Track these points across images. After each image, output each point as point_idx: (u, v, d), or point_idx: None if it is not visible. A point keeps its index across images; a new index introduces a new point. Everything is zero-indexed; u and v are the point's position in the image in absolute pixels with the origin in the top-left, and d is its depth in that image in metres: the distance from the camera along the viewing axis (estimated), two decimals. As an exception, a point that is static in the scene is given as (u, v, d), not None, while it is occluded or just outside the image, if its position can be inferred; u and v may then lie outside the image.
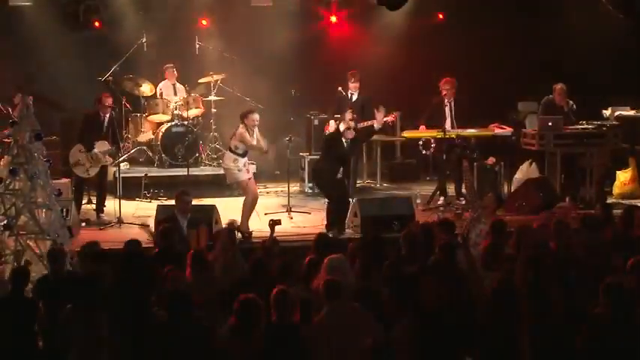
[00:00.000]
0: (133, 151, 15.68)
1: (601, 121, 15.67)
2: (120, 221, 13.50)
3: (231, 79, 16.75)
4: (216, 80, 16.57)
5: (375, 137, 16.74)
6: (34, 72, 16.31)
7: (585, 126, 15.12)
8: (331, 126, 14.75)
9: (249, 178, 13.13)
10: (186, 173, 15.16)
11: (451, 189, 15.13)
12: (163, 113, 16.33)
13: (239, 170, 12.98)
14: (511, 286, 8.17)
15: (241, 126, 12.97)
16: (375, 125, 14.00)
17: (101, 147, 13.84)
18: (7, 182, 10.82)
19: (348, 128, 12.97)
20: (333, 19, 18.00)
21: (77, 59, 16.51)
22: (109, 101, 13.96)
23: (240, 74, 16.77)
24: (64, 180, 14.15)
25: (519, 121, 17.28)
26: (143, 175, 15.64)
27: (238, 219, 12.81)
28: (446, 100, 14.93)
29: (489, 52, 17.64)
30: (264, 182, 16.13)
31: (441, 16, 18.41)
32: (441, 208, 14.25)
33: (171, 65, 16.65)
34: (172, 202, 12.37)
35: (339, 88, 15.39)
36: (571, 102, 15.28)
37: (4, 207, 10.68)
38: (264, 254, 9.78)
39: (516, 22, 18.01)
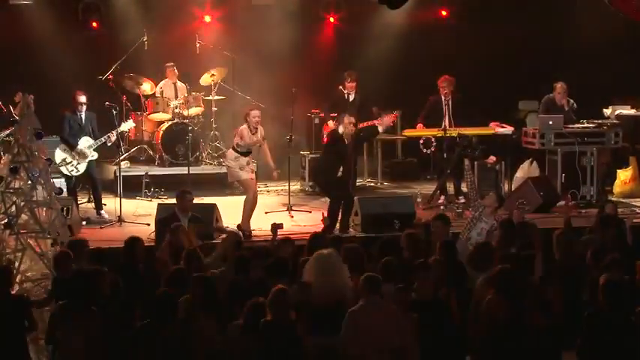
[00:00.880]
0: (133, 150, 15.70)
1: (602, 120, 15.68)
2: (120, 220, 13.50)
3: (232, 78, 16.75)
4: (217, 79, 16.57)
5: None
6: (35, 71, 16.31)
7: (586, 125, 15.13)
8: (330, 126, 14.75)
9: (251, 178, 13.13)
10: (186, 172, 15.16)
11: (451, 188, 15.13)
12: (164, 112, 16.33)
13: (240, 168, 13.01)
14: None
15: (244, 124, 13.05)
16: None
17: (85, 143, 13.82)
18: (8, 181, 10.81)
19: (348, 132, 12.90)
20: (333, 17, 18.02)
21: (78, 58, 16.52)
22: (81, 98, 13.89)
23: (241, 73, 16.78)
24: (63, 179, 14.14)
25: (520, 119, 17.30)
26: (144, 173, 15.64)
27: (238, 218, 12.86)
28: (444, 98, 14.92)
29: (490, 51, 17.64)
30: (265, 181, 16.11)
31: (443, 13, 18.40)
32: (442, 207, 14.25)
33: (172, 64, 16.65)
34: (173, 200, 12.36)
35: (339, 87, 15.38)
36: (572, 101, 15.29)
37: (5, 205, 10.67)
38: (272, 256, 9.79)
39: (517, 20, 18.00)
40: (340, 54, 17.62)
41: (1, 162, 12.76)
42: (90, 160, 13.90)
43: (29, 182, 10.71)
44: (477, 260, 9.44)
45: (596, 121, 15.34)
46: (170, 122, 16.22)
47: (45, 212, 10.84)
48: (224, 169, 16.05)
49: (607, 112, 16.34)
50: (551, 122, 14.83)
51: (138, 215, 13.99)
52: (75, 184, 14.06)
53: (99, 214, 13.97)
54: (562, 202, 14.40)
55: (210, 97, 16.59)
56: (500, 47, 17.79)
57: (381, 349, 7.77)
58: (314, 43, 17.75)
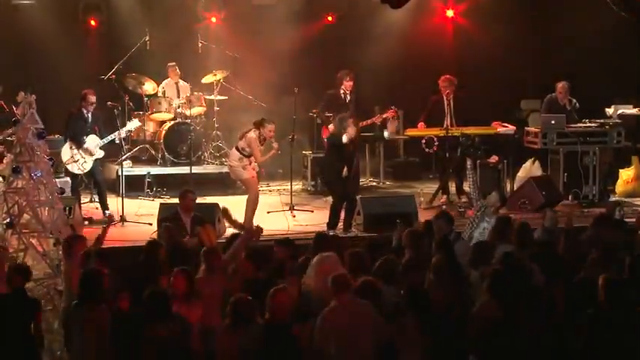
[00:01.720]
0: (135, 149, 15.71)
1: (604, 119, 15.66)
2: (123, 219, 13.50)
3: (234, 78, 16.75)
4: (219, 79, 16.57)
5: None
6: (37, 70, 16.33)
7: (588, 124, 15.12)
8: (330, 130, 14.74)
9: (253, 177, 13.16)
10: (188, 171, 15.17)
11: (453, 187, 15.12)
12: (166, 112, 16.33)
13: (243, 168, 13.03)
14: None
15: (254, 131, 13.01)
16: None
17: (92, 141, 13.84)
18: (10, 180, 10.83)
19: (351, 140, 12.83)
20: (335, 17, 18.03)
21: (80, 58, 16.54)
22: (92, 99, 13.92)
23: (243, 73, 16.78)
24: (67, 178, 14.16)
25: (522, 119, 17.29)
26: (146, 173, 15.65)
27: (240, 217, 12.87)
28: (445, 98, 14.92)
29: (492, 50, 17.64)
30: (267, 181, 16.14)
31: (445, 12, 18.40)
32: (444, 207, 14.23)
33: (174, 64, 16.65)
34: (175, 200, 12.37)
35: (335, 88, 15.36)
36: (574, 100, 15.28)
37: (7, 205, 10.69)
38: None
39: (520, 20, 18.01)
40: (342, 54, 17.61)
41: (4, 161, 12.78)
42: (96, 159, 13.93)
43: (31, 182, 10.73)
44: (476, 259, 9.44)
45: (598, 121, 15.32)
46: (172, 122, 16.23)
47: (47, 212, 10.86)
48: (226, 169, 16.05)
49: (609, 111, 16.32)
50: (553, 122, 14.83)
51: (140, 215, 13.99)
52: (78, 183, 14.08)
53: (105, 213, 13.97)
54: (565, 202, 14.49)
55: (212, 97, 16.59)
56: (502, 47, 17.79)
57: (356, 349, 7.75)
58: (316, 43, 17.74)
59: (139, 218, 13.78)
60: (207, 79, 16.59)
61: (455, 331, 8.21)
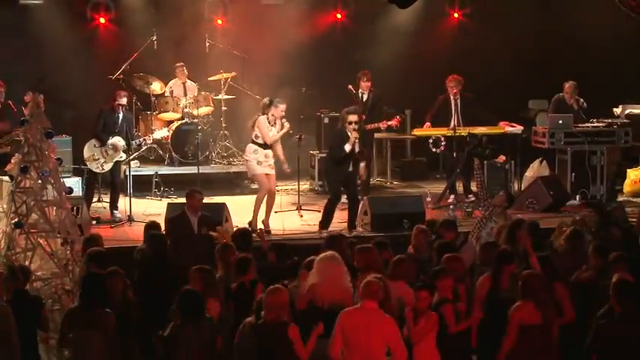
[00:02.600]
0: (143, 149, 15.71)
1: (612, 119, 15.65)
2: (130, 219, 13.52)
3: (241, 78, 16.76)
4: (227, 78, 16.58)
5: (385, 135, 16.79)
6: (45, 70, 16.36)
7: (596, 124, 15.10)
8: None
9: (267, 174, 13.06)
10: (196, 171, 15.18)
11: (461, 187, 15.12)
12: (173, 111, 16.33)
13: (257, 163, 12.97)
14: None
15: (262, 115, 12.96)
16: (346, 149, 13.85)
17: (116, 143, 13.88)
18: (18, 180, 10.83)
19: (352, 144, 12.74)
20: (342, 16, 18.03)
21: (88, 58, 16.56)
22: (121, 100, 13.97)
23: (251, 72, 16.78)
24: (75, 178, 14.18)
25: (530, 119, 17.28)
26: (154, 173, 15.67)
27: (247, 217, 12.91)
28: (452, 98, 14.91)
29: (500, 50, 17.62)
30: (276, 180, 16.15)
31: (452, 12, 18.40)
32: (451, 207, 14.21)
33: (182, 64, 16.64)
34: (183, 200, 12.37)
35: (349, 87, 15.38)
36: (581, 100, 15.27)
37: (15, 205, 10.70)
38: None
39: (527, 20, 17.99)
40: (349, 53, 17.61)
41: (12, 161, 12.79)
42: (116, 161, 13.96)
43: (39, 181, 10.74)
44: (485, 259, 9.45)
45: (606, 121, 15.30)
46: (180, 122, 16.24)
47: (55, 211, 10.86)
48: (234, 169, 16.19)
49: (617, 111, 16.31)
50: (560, 121, 14.82)
51: (148, 215, 14.00)
52: (93, 182, 14.10)
53: (112, 214, 13.99)
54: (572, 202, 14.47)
55: (219, 97, 16.59)
56: (510, 46, 17.78)
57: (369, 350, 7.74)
58: (323, 42, 17.74)
59: (146, 218, 13.74)
60: (214, 78, 16.59)
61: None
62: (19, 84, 14.51)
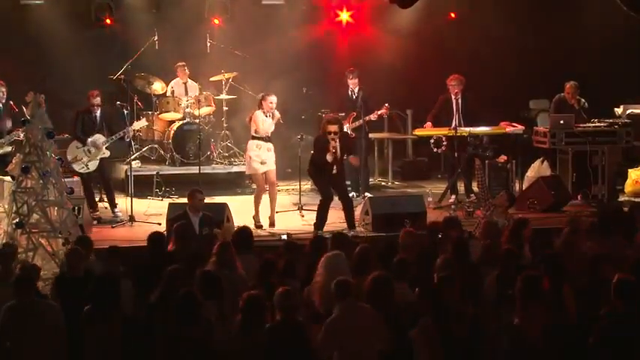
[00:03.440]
0: (144, 149, 15.72)
1: (613, 119, 15.64)
2: (132, 219, 13.52)
3: (242, 78, 16.76)
4: (228, 78, 16.58)
5: (386, 135, 16.80)
6: (46, 70, 16.36)
7: (597, 124, 15.09)
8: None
9: (263, 172, 13.31)
10: (197, 171, 15.18)
11: (462, 187, 15.11)
12: (175, 111, 16.34)
13: (255, 159, 13.25)
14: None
15: (258, 110, 13.29)
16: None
17: (97, 140, 13.86)
18: (20, 180, 10.84)
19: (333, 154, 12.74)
20: (344, 16, 18.00)
21: (89, 57, 16.57)
22: (93, 100, 13.93)
23: (252, 72, 16.78)
24: (76, 178, 14.18)
25: (531, 119, 17.27)
26: (155, 173, 15.67)
27: (249, 217, 12.96)
28: (454, 97, 14.91)
29: (501, 50, 17.63)
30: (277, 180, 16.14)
31: (453, 15, 18.39)
32: (452, 207, 14.22)
33: (183, 64, 16.65)
34: (184, 200, 12.38)
35: (351, 86, 15.39)
36: (583, 100, 15.25)
37: (17, 205, 10.71)
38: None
39: (528, 20, 17.99)
40: (351, 53, 17.61)
41: (13, 161, 12.80)
42: (101, 158, 13.94)
43: (40, 182, 10.75)
44: (487, 259, 9.44)
45: (607, 121, 15.28)
46: (181, 122, 16.24)
47: (56, 212, 10.87)
48: (235, 169, 16.20)
49: (618, 111, 16.30)
50: (562, 121, 14.81)
51: (149, 215, 14.02)
52: (89, 182, 14.10)
53: (114, 213, 13.99)
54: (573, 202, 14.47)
55: (221, 97, 16.59)
56: (511, 46, 17.78)
57: (359, 353, 7.74)
58: (324, 42, 17.74)
59: (147, 218, 13.80)
60: (215, 78, 16.60)
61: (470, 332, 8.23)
62: (20, 84, 14.49)
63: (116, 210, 13.98)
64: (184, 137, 16.08)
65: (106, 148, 13.91)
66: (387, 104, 15.26)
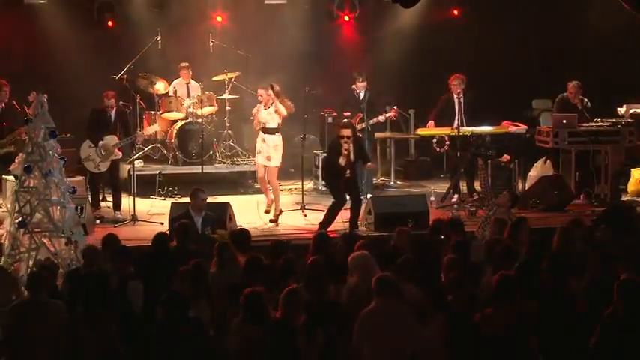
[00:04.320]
0: (147, 149, 15.73)
1: (616, 118, 15.63)
2: (134, 219, 13.53)
3: (245, 77, 16.76)
4: (230, 78, 16.58)
5: (389, 135, 16.79)
6: (49, 70, 16.37)
7: (600, 123, 15.09)
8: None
9: (263, 165, 13.87)
10: (200, 171, 15.18)
11: (465, 187, 15.10)
12: (177, 111, 16.33)
13: (267, 159, 13.78)
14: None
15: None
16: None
17: (110, 141, 13.89)
18: (22, 180, 10.85)
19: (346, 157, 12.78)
20: (347, 16, 18.01)
21: (92, 57, 16.56)
22: (107, 101, 13.98)
23: (254, 72, 16.77)
24: (79, 178, 14.19)
25: (534, 118, 17.27)
26: (157, 172, 15.67)
27: (251, 217, 13.00)
28: (455, 97, 14.91)
29: (504, 49, 17.63)
30: (278, 180, 16.11)
31: (456, 12, 18.38)
32: (455, 206, 14.22)
33: (187, 64, 16.61)
34: (187, 199, 12.38)
35: (353, 87, 15.37)
36: (585, 99, 15.25)
37: (19, 204, 10.72)
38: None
39: (531, 19, 17.98)
40: (353, 53, 17.62)
41: (16, 161, 12.82)
42: (113, 160, 13.97)
43: (43, 181, 10.75)
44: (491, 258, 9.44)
45: (610, 120, 15.28)
46: (184, 121, 16.23)
47: (59, 211, 10.88)
48: (237, 168, 16.21)
49: (621, 110, 16.29)
50: (564, 121, 14.81)
51: (152, 214, 14.03)
52: (97, 182, 14.13)
53: (115, 214, 13.99)
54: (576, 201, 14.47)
55: (223, 97, 16.59)
56: (513, 46, 17.77)
57: (392, 353, 7.73)
58: (327, 42, 17.74)
59: (150, 218, 13.82)
60: (218, 78, 16.60)
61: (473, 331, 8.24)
62: (23, 83, 14.50)
63: (118, 214, 13.98)
64: (187, 137, 16.08)
65: (119, 150, 13.97)
66: (395, 107, 15.26)
